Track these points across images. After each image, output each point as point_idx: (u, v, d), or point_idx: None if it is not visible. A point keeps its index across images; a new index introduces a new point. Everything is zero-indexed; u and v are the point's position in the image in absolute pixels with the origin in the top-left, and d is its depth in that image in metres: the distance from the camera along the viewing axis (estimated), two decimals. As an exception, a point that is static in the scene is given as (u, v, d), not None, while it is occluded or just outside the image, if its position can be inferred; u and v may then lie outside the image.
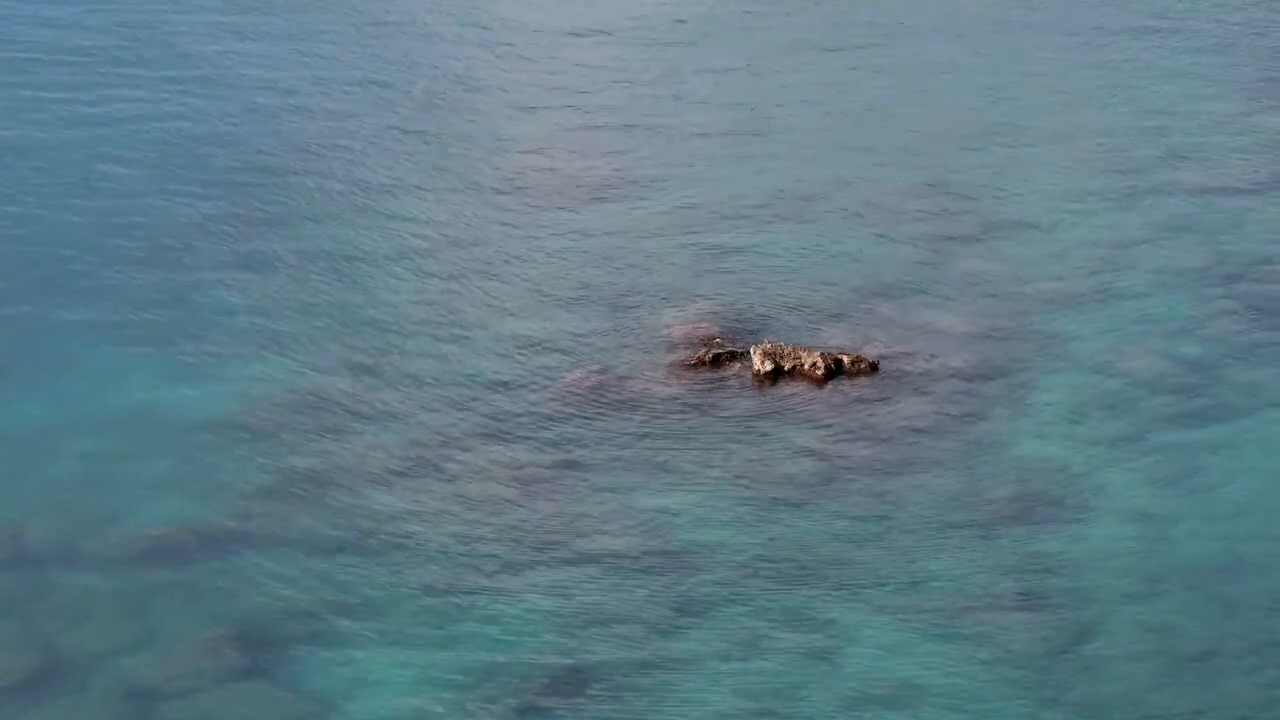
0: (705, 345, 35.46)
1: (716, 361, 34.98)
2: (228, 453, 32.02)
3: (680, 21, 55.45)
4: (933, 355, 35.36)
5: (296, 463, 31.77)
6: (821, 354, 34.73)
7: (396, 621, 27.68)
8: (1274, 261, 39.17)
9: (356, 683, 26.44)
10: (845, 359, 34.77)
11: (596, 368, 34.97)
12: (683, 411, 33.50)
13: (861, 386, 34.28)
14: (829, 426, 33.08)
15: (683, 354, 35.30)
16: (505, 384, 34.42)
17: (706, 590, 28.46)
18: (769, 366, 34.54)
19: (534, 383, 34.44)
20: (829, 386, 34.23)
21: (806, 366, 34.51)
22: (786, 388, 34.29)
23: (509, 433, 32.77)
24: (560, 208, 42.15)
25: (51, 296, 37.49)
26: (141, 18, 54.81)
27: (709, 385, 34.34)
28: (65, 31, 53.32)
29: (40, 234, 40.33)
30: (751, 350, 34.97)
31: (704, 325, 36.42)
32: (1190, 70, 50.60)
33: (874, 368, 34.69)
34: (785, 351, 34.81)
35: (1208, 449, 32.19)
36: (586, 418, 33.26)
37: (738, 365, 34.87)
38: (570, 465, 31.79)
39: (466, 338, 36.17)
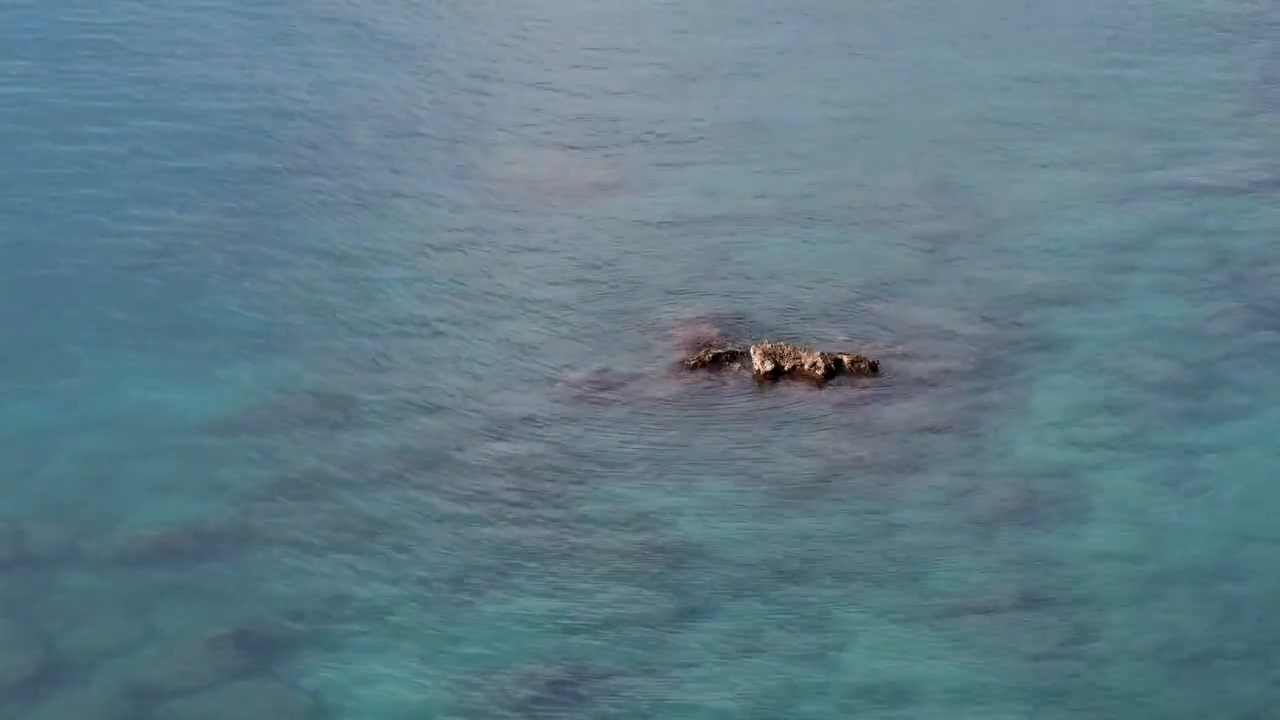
0: (705, 345, 35.48)
1: (716, 361, 34.99)
2: (228, 453, 32.03)
3: (678, 25, 55.44)
4: (933, 355, 35.37)
5: (296, 463, 31.78)
6: (821, 354, 34.73)
7: (396, 621, 27.69)
8: (1274, 261, 39.16)
9: (356, 683, 26.46)
10: (845, 359, 34.78)
11: (597, 368, 34.98)
12: (683, 412, 33.51)
13: (861, 386, 34.29)
14: (829, 426, 33.09)
15: (683, 354, 35.31)
16: (505, 384, 34.43)
17: (707, 590, 28.48)
18: (769, 366, 34.55)
19: (534, 383, 34.45)
20: (829, 386, 34.24)
21: (806, 366, 34.52)
22: (786, 388, 34.30)
23: (509, 432, 32.78)
24: (560, 208, 42.13)
25: (52, 297, 37.49)
26: (140, 19, 54.81)
27: (709, 385, 34.35)
28: (64, 33, 53.30)
29: (40, 234, 40.32)
30: (751, 350, 34.98)
31: (704, 325, 36.44)
32: (1190, 70, 50.60)
33: (874, 368, 34.69)
34: (785, 351, 34.83)
35: (1208, 449, 32.20)
36: (587, 418, 33.27)
37: (738, 365, 34.89)
38: (570, 464, 31.80)
39: (466, 338, 36.18)
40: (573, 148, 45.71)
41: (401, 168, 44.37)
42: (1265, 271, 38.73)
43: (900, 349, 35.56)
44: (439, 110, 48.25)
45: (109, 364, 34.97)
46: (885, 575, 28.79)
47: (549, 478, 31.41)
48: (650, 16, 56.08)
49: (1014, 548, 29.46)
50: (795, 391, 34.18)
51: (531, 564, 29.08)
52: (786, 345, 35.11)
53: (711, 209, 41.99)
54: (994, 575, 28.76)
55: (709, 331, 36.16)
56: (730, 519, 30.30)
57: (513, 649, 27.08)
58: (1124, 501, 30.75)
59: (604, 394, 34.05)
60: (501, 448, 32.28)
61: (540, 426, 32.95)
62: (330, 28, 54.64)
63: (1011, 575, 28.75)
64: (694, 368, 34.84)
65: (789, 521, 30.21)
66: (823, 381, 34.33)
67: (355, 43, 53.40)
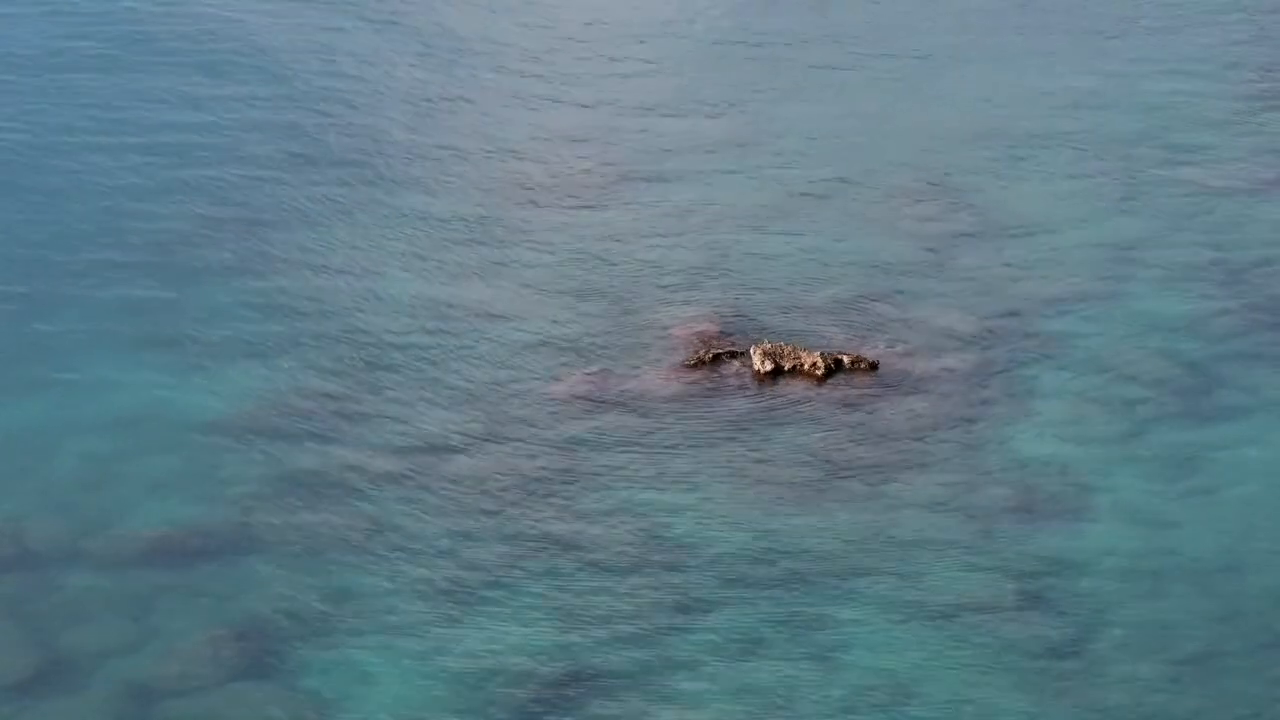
0: (705, 345, 35.48)
1: (716, 361, 34.99)
2: (228, 453, 32.04)
3: (680, 27, 55.45)
4: (933, 355, 35.37)
5: (296, 463, 31.79)
6: (821, 354, 34.74)
7: (396, 622, 27.69)
8: (1274, 262, 39.17)
9: (356, 683, 26.46)
10: (845, 359, 34.78)
11: (597, 368, 34.98)
12: (683, 411, 33.51)
13: (861, 386, 34.29)
14: (829, 426, 33.09)
15: (683, 354, 35.30)
16: (506, 384, 34.43)
17: (706, 590, 28.47)
18: (769, 366, 34.56)
19: (534, 383, 34.45)
20: (829, 386, 34.25)
21: (806, 366, 34.53)
22: (786, 388, 34.30)
23: (509, 433, 32.78)
24: (561, 209, 42.15)
25: (53, 298, 37.50)
26: (139, 22, 54.83)
27: (709, 385, 34.35)
28: (64, 36, 53.32)
29: (41, 236, 40.34)
30: (751, 350, 34.98)
31: (704, 325, 36.44)
32: (1190, 70, 50.59)
33: (874, 368, 34.70)
34: (785, 351, 34.83)
35: (1208, 449, 32.19)
36: (587, 417, 33.26)
37: (738, 365, 34.89)
38: (570, 465, 31.80)
39: (467, 338, 36.18)
40: (572, 150, 45.70)
41: (400, 171, 44.37)
42: (1265, 271, 38.73)
43: (900, 349, 35.57)
44: (435, 113, 48.25)
45: (109, 364, 34.98)
46: (885, 575, 28.78)
47: (548, 477, 31.41)
48: (647, 18, 56.07)
49: (1014, 547, 29.46)
50: (795, 391, 34.18)
51: (530, 564, 29.08)
52: (786, 345, 35.11)
53: (712, 209, 42.00)
54: (994, 575, 28.76)
55: (709, 331, 36.17)
56: (730, 518, 30.30)
57: (512, 649, 27.08)
58: (1124, 501, 30.74)
59: (604, 394, 34.04)
60: (501, 448, 32.28)
61: (539, 426, 32.95)
62: (326, 33, 54.64)
63: (1011, 575, 28.75)
64: (694, 367, 34.85)
65: (788, 521, 30.21)
66: (823, 381, 34.33)
67: (348, 49, 53.41)
